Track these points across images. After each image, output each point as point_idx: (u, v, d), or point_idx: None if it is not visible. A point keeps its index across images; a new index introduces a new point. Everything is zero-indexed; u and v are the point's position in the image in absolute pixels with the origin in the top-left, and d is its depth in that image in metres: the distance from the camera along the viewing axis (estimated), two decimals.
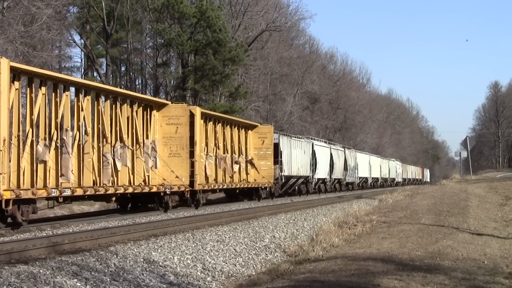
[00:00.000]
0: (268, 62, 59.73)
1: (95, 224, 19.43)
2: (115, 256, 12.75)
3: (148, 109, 24.48)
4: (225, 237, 16.96)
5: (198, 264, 13.80)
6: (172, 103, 26.05)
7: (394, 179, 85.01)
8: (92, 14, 49.00)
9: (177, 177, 24.74)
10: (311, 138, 47.30)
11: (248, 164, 33.90)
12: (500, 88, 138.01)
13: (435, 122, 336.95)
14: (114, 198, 22.01)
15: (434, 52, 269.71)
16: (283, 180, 37.93)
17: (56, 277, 10.45)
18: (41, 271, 10.60)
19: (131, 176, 22.81)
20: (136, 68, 56.99)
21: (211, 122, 29.19)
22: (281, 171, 37.06)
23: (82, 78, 46.92)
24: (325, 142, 52.26)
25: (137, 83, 60.25)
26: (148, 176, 23.99)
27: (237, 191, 33.31)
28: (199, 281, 12.73)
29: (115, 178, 21.51)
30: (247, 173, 33.76)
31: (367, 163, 67.42)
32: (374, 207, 28.36)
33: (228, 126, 31.59)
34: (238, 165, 32.35)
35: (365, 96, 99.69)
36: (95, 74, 51.31)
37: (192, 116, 25.92)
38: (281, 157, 36.99)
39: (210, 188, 28.41)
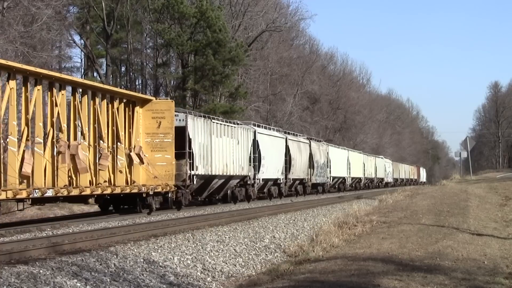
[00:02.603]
0: (268, 62, 59.79)
1: (95, 224, 19.43)
2: (115, 256, 12.76)
3: None
4: (225, 238, 16.97)
5: (198, 264, 13.80)
6: None
7: (382, 179, 75.69)
8: (92, 14, 49.02)
9: None
10: (253, 124, 35.58)
11: (131, 157, 23.08)
12: (500, 88, 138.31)
13: (435, 122, 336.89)
14: None
15: (434, 52, 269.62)
16: (197, 182, 26.84)
17: (56, 278, 10.46)
18: (41, 271, 10.60)
19: None
20: (136, 69, 57.03)
21: (40, 87, 18.68)
22: (191, 169, 25.81)
23: (82, 78, 46.96)
24: (278, 130, 40.82)
25: (137, 83, 60.30)
26: None
27: (91, 199, 23.23)
28: (199, 282, 12.73)
29: None
30: (130, 172, 23.06)
31: (345, 160, 56.79)
32: (374, 208, 28.38)
33: (88, 96, 21.57)
34: (109, 159, 21.60)
35: (365, 96, 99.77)
36: (95, 74, 51.34)
37: None
38: (190, 148, 25.82)
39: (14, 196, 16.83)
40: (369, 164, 68.08)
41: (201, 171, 26.77)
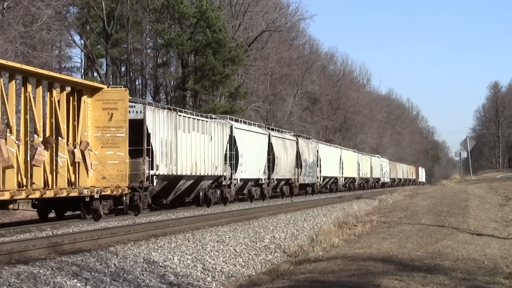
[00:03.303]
0: (268, 62, 59.80)
1: (95, 224, 19.43)
2: (115, 256, 12.76)
3: None
4: (225, 238, 16.97)
5: (198, 264, 13.80)
6: None
7: (378, 179, 73.18)
8: (92, 15, 49.03)
9: None
10: (231, 119, 32.20)
11: (75, 154, 19.74)
12: (500, 88, 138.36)
13: (435, 122, 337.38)
14: None
15: (434, 52, 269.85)
16: (158, 184, 23.70)
17: (56, 278, 10.46)
18: (41, 271, 10.61)
19: None
20: (136, 69, 57.03)
21: None
22: (151, 168, 22.68)
23: (82, 79, 47.02)
24: (260, 126, 37.65)
25: (137, 83, 60.34)
26: None
27: (12, 204, 17.89)
28: (199, 282, 12.73)
29: None
30: (74, 171, 19.91)
31: (337, 159, 53.88)
32: (374, 207, 28.37)
33: (17, 82, 19.00)
34: (45, 154, 18.32)
35: (365, 97, 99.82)
36: (95, 74, 51.35)
37: None
38: (149, 144, 22.60)
39: None
40: (364, 163, 65.15)
41: (163, 170, 23.55)
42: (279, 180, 38.00)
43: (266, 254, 16.47)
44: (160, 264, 13.05)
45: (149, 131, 22.70)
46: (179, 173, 24.89)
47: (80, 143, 20.13)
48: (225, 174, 29.41)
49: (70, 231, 17.36)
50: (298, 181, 41.47)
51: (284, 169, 38.60)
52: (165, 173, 23.82)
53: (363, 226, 19.37)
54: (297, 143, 41.95)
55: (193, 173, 26.22)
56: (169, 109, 25.10)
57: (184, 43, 43.30)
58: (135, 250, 13.59)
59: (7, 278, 9.83)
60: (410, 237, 15.87)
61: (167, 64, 52.55)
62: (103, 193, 19.91)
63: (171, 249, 14.38)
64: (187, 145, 25.66)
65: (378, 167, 73.35)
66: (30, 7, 31.43)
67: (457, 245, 14.42)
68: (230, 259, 14.97)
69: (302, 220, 23.58)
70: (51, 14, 33.32)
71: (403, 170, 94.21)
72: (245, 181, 32.64)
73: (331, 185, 52.70)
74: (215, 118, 29.64)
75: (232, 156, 30.43)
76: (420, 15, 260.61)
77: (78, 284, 10.44)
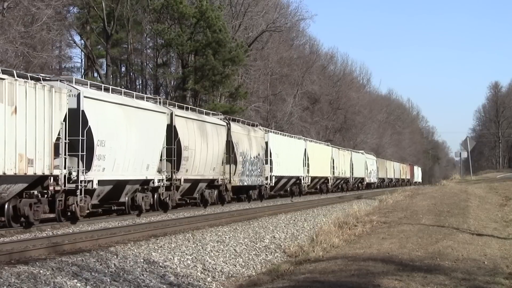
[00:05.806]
0: (268, 62, 59.81)
1: (95, 224, 19.44)
2: (115, 256, 12.76)
3: None
4: (225, 238, 16.97)
5: (198, 264, 13.80)
6: None
7: (362, 179, 63.55)
8: (92, 15, 49.01)
9: None
10: (78, 83, 19.47)
11: None
12: (500, 88, 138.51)
13: (435, 122, 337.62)
14: None
15: (434, 52, 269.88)
16: None
17: (56, 278, 10.46)
18: (41, 271, 10.61)
19: None
20: (136, 69, 57.02)
21: None
22: None
23: (82, 79, 46.90)
24: (157, 102, 24.85)
25: (137, 83, 60.31)
26: None
27: None
28: (199, 282, 12.73)
29: None
30: None
31: (300, 154, 42.58)
32: (374, 208, 28.37)
33: None
34: None
35: (365, 97, 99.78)
36: (95, 74, 51.34)
37: None
38: None
39: None
40: (341, 160, 54.37)
41: None
42: (194, 182, 26.68)
43: (266, 254, 16.47)
44: (160, 264, 13.05)
45: None
46: None
47: None
48: (59, 173, 17.62)
49: (70, 231, 17.36)
50: (230, 182, 30.41)
51: (202, 165, 27.03)
52: None
53: (363, 226, 19.37)
54: (228, 129, 30.47)
55: None
56: None
57: (184, 43, 43.30)
58: (135, 250, 13.60)
59: (7, 278, 9.83)
60: (410, 237, 15.88)
61: (167, 64, 52.56)
62: None
63: (171, 249, 14.38)
64: None
65: (362, 164, 63.38)
66: (30, 7, 31.43)
67: (457, 245, 14.42)
68: (230, 259, 14.97)
69: (302, 220, 23.59)
70: (51, 14, 33.31)
71: (395, 169, 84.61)
72: (117, 184, 20.81)
73: (292, 187, 41.81)
74: (42, 79, 17.48)
75: (81, 144, 18.34)
76: (420, 15, 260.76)
77: (78, 284, 10.44)
